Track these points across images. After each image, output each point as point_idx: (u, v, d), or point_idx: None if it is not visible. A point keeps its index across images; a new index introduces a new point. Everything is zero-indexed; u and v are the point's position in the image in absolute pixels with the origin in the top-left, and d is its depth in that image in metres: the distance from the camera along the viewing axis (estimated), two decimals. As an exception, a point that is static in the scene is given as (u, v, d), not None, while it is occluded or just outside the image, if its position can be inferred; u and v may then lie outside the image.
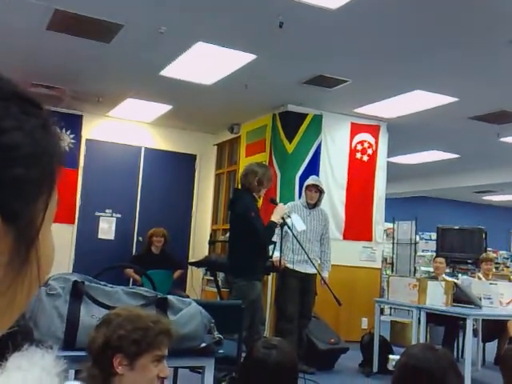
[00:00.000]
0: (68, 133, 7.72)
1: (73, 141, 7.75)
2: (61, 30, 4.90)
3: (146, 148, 8.27)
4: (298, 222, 4.84)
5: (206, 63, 5.55)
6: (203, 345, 2.02)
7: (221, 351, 2.10)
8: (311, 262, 4.89)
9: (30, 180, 0.43)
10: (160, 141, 8.36)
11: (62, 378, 0.63)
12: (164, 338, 1.42)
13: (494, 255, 11.43)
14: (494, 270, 7.29)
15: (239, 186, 4.79)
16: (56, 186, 0.47)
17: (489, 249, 9.57)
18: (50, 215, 0.46)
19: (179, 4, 4.29)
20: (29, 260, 0.44)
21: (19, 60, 5.82)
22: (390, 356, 3.03)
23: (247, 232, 4.32)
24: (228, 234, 7.39)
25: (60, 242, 7.39)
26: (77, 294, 1.86)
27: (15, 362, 0.62)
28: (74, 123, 7.73)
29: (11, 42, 5.27)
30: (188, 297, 6.20)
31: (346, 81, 5.81)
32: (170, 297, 2.06)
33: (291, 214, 4.84)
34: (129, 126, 8.12)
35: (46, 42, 5.20)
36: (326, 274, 5.19)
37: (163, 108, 7.39)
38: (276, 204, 4.81)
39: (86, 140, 7.91)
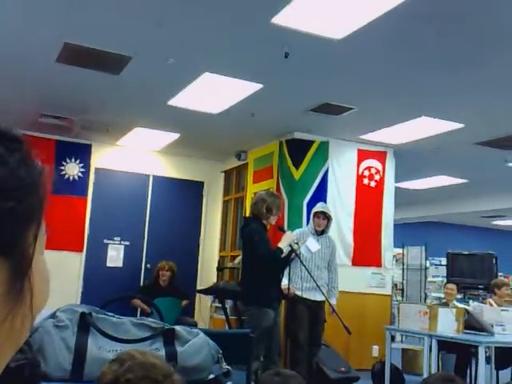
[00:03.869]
0: (77, 162, 7.81)
1: (82, 169, 7.84)
2: (70, 63, 5.01)
3: (154, 176, 8.34)
4: (311, 244, 4.88)
5: (213, 93, 5.63)
6: (211, 376, 2.00)
7: (229, 383, 2.08)
8: (320, 289, 4.86)
9: (20, 213, 0.44)
10: (168, 168, 8.43)
11: None
12: None
13: (506, 280, 11.29)
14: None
15: (247, 214, 4.81)
16: (43, 217, 0.48)
17: (500, 274, 9.46)
18: (40, 246, 0.47)
19: (187, 36, 4.38)
20: (24, 290, 0.45)
21: (30, 91, 5.94)
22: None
23: (253, 257, 4.32)
24: (236, 261, 7.40)
25: (69, 270, 7.42)
26: (84, 325, 1.86)
27: None
28: (83, 152, 7.83)
29: (22, 73, 5.38)
30: (196, 323, 6.18)
31: (352, 108, 5.86)
32: (177, 327, 2.05)
33: (307, 238, 4.88)
34: (137, 154, 8.21)
35: (56, 73, 5.30)
36: (334, 301, 5.15)
37: (171, 136, 7.47)
38: (284, 231, 4.81)
39: (95, 169, 7.99)
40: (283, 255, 4.44)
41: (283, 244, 4.37)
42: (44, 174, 0.48)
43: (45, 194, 0.47)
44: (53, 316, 1.84)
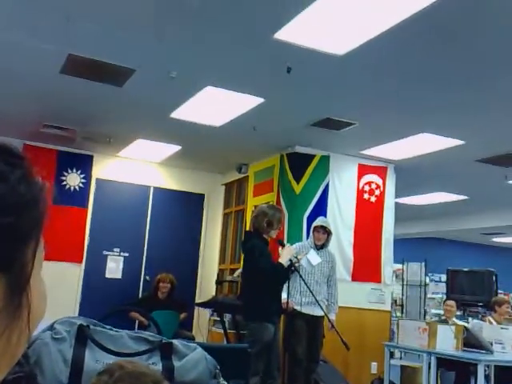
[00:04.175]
0: (78, 172, 7.83)
1: (83, 180, 7.85)
2: (74, 74, 5.04)
3: (154, 187, 8.35)
4: (312, 257, 4.88)
5: (214, 106, 5.65)
6: (208, 391, 1.99)
7: (226, 398, 2.07)
8: (319, 304, 4.85)
9: (20, 228, 0.44)
10: (169, 180, 8.44)
11: None
12: None
13: (506, 298, 11.23)
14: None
15: (247, 227, 4.81)
16: (42, 234, 0.48)
17: (499, 291, 9.42)
18: (38, 261, 0.48)
19: (190, 50, 4.41)
20: (21, 306, 0.45)
21: (33, 101, 5.97)
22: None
23: (254, 271, 4.32)
24: (235, 274, 7.38)
25: (68, 281, 7.40)
26: (82, 338, 1.86)
27: None
28: (84, 163, 7.85)
29: (25, 84, 5.41)
30: (193, 337, 6.15)
31: (353, 123, 5.88)
32: (174, 341, 2.04)
33: (308, 251, 4.89)
34: (138, 165, 8.22)
35: (59, 85, 5.33)
36: (333, 317, 5.13)
37: (172, 148, 7.50)
38: (283, 246, 4.81)
39: (96, 179, 8.00)
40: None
41: (284, 259, 4.35)
42: (44, 190, 0.48)
43: (45, 211, 0.48)
44: (50, 328, 1.83)
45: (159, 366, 1.91)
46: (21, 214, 0.45)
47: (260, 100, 5.35)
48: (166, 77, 4.88)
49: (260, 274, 4.29)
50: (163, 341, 1.97)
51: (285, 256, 4.36)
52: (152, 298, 6.52)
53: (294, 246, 5.19)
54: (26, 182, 0.47)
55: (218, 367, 2.07)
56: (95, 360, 1.81)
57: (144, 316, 5.89)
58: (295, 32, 3.95)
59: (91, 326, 1.90)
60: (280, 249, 4.53)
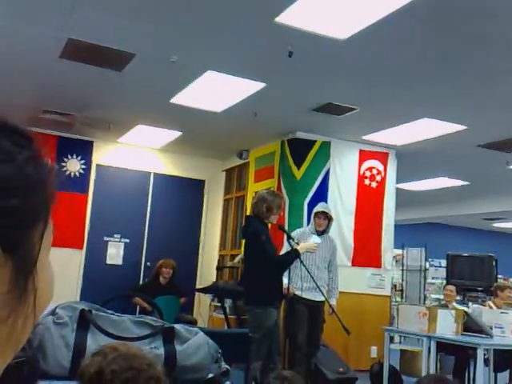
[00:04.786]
0: (78, 158, 7.81)
1: (83, 166, 7.83)
2: (73, 59, 5.00)
3: (155, 173, 8.33)
4: (315, 241, 4.93)
5: (215, 91, 5.62)
6: (210, 376, 2.00)
7: (228, 382, 2.08)
8: (319, 289, 4.86)
9: (26, 210, 0.43)
10: (169, 166, 8.42)
11: None
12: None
13: (507, 283, 11.27)
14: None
15: (248, 213, 4.83)
16: (50, 216, 0.47)
17: (499, 276, 9.45)
18: (46, 245, 0.47)
19: (190, 34, 4.37)
20: (27, 290, 0.45)
21: (32, 86, 5.93)
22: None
23: (259, 257, 4.33)
24: (236, 260, 7.40)
25: (68, 267, 7.41)
26: (84, 323, 1.86)
27: None
28: (84, 149, 7.83)
29: (25, 69, 5.37)
30: (196, 320, 6.18)
31: (355, 109, 5.85)
32: (176, 326, 2.05)
33: (309, 237, 4.93)
34: (138, 151, 8.20)
35: (58, 69, 5.29)
36: (333, 302, 5.15)
37: (173, 134, 7.47)
38: (284, 231, 4.83)
39: (96, 165, 7.98)
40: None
41: (303, 250, 4.53)
42: (53, 172, 0.47)
43: (53, 193, 0.47)
44: (52, 313, 1.83)
45: (161, 351, 1.92)
46: (28, 195, 0.44)
47: (261, 85, 5.31)
48: (166, 61, 4.84)
49: (266, 258, 4.30)
50: (165, 325, 1.97)
51: (303, 248, 4.49)
52: (154, 283, 6.54)
53: (295, 232, 5.20)
54: (34, 163, 0.46)
55: (220, 351, 2.08)
56: (97, 344, 1.82)
57: (147, 302, 5.91)
58: (297, 16, 3.91)
59: (93, 311, 1.90)
60: (286, 238, 4.64)
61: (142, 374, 1.38)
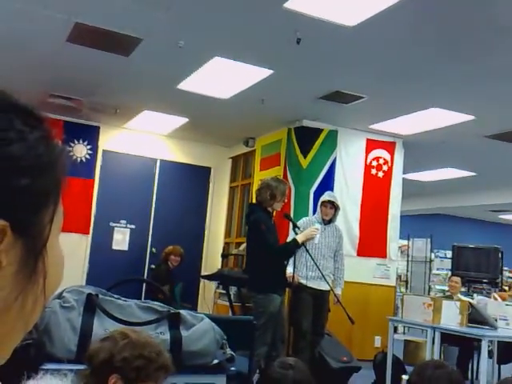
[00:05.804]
0: (85, 143, 7.80)
1: (89, 151, 7.83)
2: (80, 43, 4.97)
3: (161, 160, 8.32)
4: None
5: (222, 77, 5.58)
6: (215, 361, 2.00)
7: (232, 368, 2.08)
8: (325, 278, 4.86)
9: (36, 191, 0.43)
10: (175, 153, 8.41)
11: None
12: (162, 373, 1.43)
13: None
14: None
15: (253, 201, 4.82)
16: (61, 198, 0.47)
17: (505, 268, 9.42)
18: (56, 226, 0.46)
19: (198, 19, 4.33)
20: (37, 271, 0.44)
21: (39, 71, 5.91)
22: (403, 376, 2.98)
23: (260, 245, 4.34)
24: (241, 248, 7.40)
25: (75, 252, 7.44)
26: (90, 307, 1.86)
27: None
28: (91, 134, 7.81)
29: (32, 53, 5.35)
30: (192, 308, 6.20)
31: (362, 97, 5.80)
32: (182, 312, 2.05)
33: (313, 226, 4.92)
34: (145, 137, 8.19)
35: (65, 54, 5.27)
36: (339, 291, 5.15)
37: (179, 121, 7.44)
38: (290, 219, 4.82)
39: (103, 151, 7.98)
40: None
41: (302, 238, 4.48)
42: (64, 154, 0.47)
43: (64, 174, 0.46)
44: (59, 296, 1.84)
45: (167, 336, 1.92)
46: (38, 175, 0.43)
47: (268, 72, 5.27)
48: (173, 46, 4.80)
49: (266, 247, 4.31)
50: (171, 311, 1.97)
51: (304, 236, 4.43)
52: (167, 271, 6.57)
53: (301, 221, 5.19)
54: (45, 143, 0.45)
55: (225, 338, 2.08)
56: (104, 329, 1.82)
57: (161, 291, 5.92)
58: (306, 1, 3.87)
59: (100, 295, 1.90)
60: (291, 227, 4.61)
61: (152, 364, 1.39)
